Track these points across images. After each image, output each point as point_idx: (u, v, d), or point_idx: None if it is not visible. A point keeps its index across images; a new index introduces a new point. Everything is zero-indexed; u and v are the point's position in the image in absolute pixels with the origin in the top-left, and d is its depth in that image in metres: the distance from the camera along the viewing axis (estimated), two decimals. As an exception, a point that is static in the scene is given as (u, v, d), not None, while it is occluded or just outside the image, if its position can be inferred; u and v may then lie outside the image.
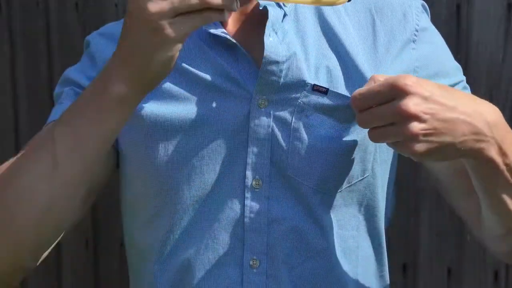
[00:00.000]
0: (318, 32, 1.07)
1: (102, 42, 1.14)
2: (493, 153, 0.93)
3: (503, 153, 0.94)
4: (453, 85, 1.13)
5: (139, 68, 0.86)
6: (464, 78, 1.16)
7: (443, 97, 0.90)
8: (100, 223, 2.04)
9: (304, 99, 1.03)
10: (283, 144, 1.03)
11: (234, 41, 1.05)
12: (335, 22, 1.08)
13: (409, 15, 1.09)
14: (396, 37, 1.08)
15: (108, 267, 2.06)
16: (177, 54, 0.86)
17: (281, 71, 1.03)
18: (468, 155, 0.94)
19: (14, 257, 0.95)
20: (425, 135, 0.89)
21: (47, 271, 2.07)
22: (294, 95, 1.04)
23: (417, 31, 1.09)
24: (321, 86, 1.02)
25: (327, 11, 1.07)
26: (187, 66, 1.08)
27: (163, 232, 1.09)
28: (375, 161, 1.09)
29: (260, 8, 1.05)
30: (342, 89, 1.04)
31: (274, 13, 1.05)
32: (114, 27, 1.18)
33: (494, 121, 0.93)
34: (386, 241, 1.19)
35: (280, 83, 1.03)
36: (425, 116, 0.88)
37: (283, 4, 1.06)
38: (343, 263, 1.08)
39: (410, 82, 0.88)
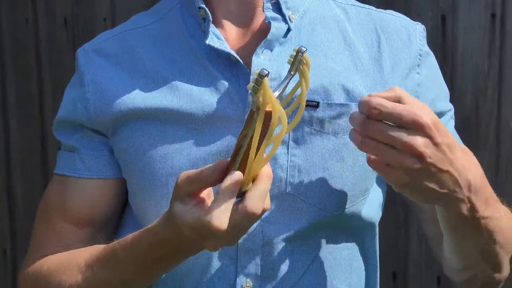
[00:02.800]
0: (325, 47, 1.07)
1: (96, 62, 1.11)
2: (465, 210, 0.97)
3: (475, 210, 0.98)
4: (446, 111, 1.14)
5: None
6: (452, 107, 1.18)
7: (448, 147, 0.93)
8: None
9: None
10: (281, 162, 1.03)
11: (237, 57, 1.04)
12: (344, 37, 1.08)
13: (414, 38, 1.09)
14: (400, 59, 1.07)
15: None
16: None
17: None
18: (440, 204, 0.98)
19: None
20: (418, 173, 0.92)
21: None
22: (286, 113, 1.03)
23: (420, 55, 1.10)
24: (311, 101, 1.03)
25: (334, 29, 1.07)
26: (187, 85, 1.06)
27: None
28: (375, 179, 1.10)
29: (266, 21, 1.04)
30: (337, 100, 1.04)
31: (276, 29, 1.04)
32: (108, 44, 1.13)
33: (476, 183, 0.97)
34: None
35: None
36: (428, 160, 0.91)
37: (289, 18, 1.05)
38: (337, 276, 1.09)
39: (430, 123, 0.91)
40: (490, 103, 1.81)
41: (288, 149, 1.03)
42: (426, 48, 1.12)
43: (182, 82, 1.06)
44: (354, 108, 1.03)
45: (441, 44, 1.82)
